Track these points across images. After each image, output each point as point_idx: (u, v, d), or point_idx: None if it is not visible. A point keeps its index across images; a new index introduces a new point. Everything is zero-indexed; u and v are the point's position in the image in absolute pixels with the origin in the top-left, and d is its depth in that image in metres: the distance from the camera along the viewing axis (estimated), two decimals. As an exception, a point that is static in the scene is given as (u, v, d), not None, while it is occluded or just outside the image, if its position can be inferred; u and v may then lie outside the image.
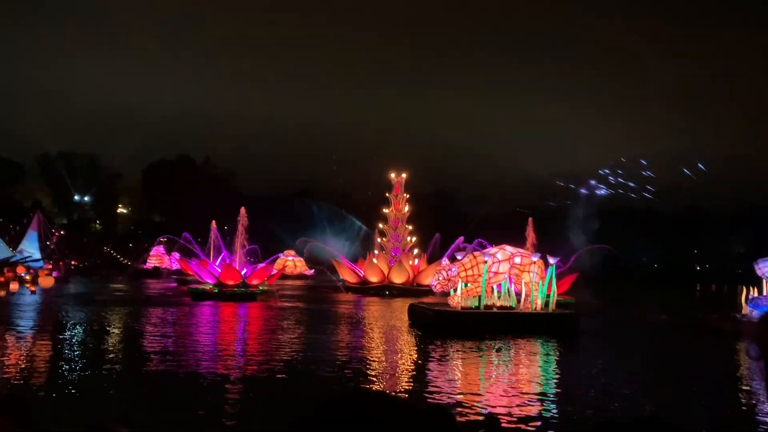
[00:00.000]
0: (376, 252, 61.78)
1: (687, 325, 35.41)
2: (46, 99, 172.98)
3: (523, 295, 30.53)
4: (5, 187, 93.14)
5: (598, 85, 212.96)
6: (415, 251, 62.13)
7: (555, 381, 19.30)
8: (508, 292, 30.92)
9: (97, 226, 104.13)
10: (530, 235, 50.46)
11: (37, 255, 43.16)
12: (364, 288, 55.74)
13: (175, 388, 16.60)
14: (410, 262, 58.55)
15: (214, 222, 57.29)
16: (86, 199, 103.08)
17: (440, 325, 28.54)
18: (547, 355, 24.39)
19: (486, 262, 29.87)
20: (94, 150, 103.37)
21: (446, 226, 66.94)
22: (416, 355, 23.13)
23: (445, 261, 33.05)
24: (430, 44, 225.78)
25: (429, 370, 20.09)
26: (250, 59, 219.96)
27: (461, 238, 53.24)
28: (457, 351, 23.65)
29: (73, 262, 74.06)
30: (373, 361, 21.47)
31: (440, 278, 30.78)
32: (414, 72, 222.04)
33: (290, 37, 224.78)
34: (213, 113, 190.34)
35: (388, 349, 24.73)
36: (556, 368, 21.72)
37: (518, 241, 42.24)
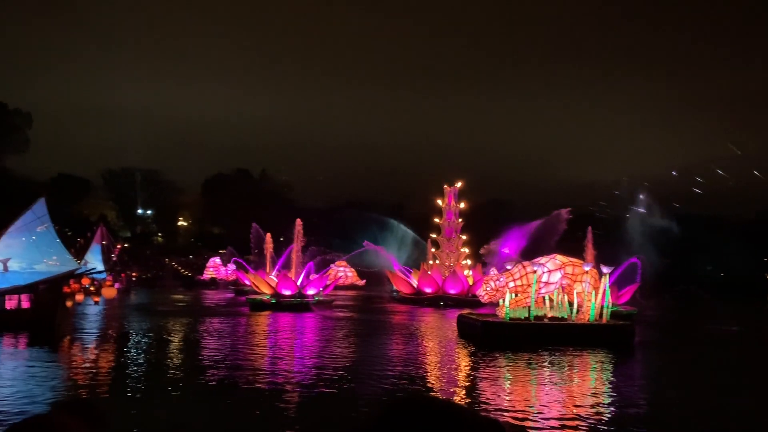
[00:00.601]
0: (430, 262, 61.54)
1: (754, 337, 33.77)
2: (110, 117, 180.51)
3: (575, 306, 29.68)
4: (73, 202, 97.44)
5: (658, 90, 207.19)
6: (469, 261, 61.55)
7: (606, 395, 18.53)
8: (562, 303, 30.14)
9: (159, 238, 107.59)
10: (589, 244, 49.32)
11: (101, 267, 44.83)
12: (418, 299, 55.51)
13: (233, 396, 16.86)
14: (465, 273, 58.03)
15: (269, 234, 58.31)
16: (149, 212, 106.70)
17: (488, 337, 27.94)
18: (599, 367, 23.52)
19: (535, 272, 29.26)
20: (156, 165, 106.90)
21: (501, 235, 66.03)
22: (462, 367, 22.81)
23: (493, 271, 32.54)
24: (482, 53, 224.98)
25: (476, 382, 19.80)
26: (305, 75, 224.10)
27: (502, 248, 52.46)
28: (504, 363, 23.17)
29: (134, 274, 76.68)
30: (419, 372, 21.19)
31: (488, 288, 30.09)
32: (467, 81, 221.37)
33: (342, 51, 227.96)
34: (270, 127, 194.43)
35: (435, 360, 24.40)
36: (608, 382, 20.94)
37: (576, 250, 41.31)
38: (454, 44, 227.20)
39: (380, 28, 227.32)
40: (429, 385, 19.18)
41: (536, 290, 29.06)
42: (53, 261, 31.89)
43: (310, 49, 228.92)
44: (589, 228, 50.81)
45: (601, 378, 21.67)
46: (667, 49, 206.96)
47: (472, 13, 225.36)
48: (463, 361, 24.14)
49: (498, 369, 22.07)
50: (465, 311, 33.93)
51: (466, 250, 62.88)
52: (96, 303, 35.59)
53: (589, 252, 48.20)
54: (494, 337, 27.72)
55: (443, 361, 24.41)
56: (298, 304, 45.15)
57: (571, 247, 43.98)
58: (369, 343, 28.40)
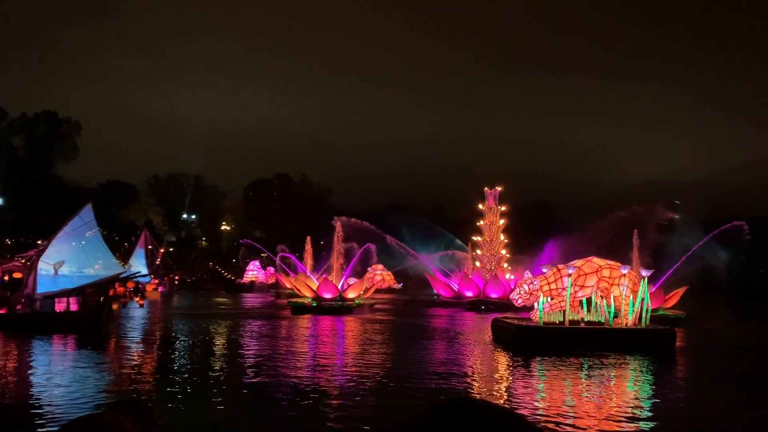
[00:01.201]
0: (470, 266, 61.06)
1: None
2: (155, 126, 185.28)
3: (612, 310, 28.90)
4: (120, 207, 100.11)
5: (703, 92, 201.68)
6: (507, 266, 60.85)
7: (639, 402, 17.81)
8: (601, 306, 29.41)
9: (203, 242, 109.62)
10: (635, 247, 48.15)
11: (145, 270, 45.85)
12: (459, 302, 55.08)
13: (274, 398, 16.94)
14: (506, 276, 57.37)
15: (309, 238, 58.77)
16: (193, 217, 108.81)
17: (522, 342, 27.37)
18: (635, 373, 22.61)
19: (570, 275, 28.57)
20: (199, 171, 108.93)
21: (544, 237, 65.11)
22: (493, 372, 22.42)
23: (527, 274, 32.00)
24: (524, 55, 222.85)
25: (508, 387, 19.43)
26: (345, 80, 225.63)
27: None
28: (537, 368, 22.66)
29: (177, 277, 78.20)
30: (449, 377, 20.90)
31: (521, 292, 29.40)
32: (508, 83, 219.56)
33: (382, 55, 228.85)
34: (310, 132, 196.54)
35: (466, 365, 23.99)
36: (642, 389, 20.16)
37: (620, 253, 40.38)
38: (496, 47, 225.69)
39: (420, 31, 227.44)
40: (460, 389, 18.89)
41: (572, 294, 28.43)
42: (100, 265, 32.76)
43: (349, 54, 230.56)
44: (635, 231, 49.63)
45: (634, 385, 20.81)
46: (712, 50, 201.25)
47: (514, 16, 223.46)
48: (495, 366, 23.74)
49: (530, 375, 21.64)
50: (501, 315, 33.45)
51: (505, 252, 62.18)
52: (141, 306, 36.44)
53: (635, 254, 47.07)
54: (528, 342, 27.13)
55: (474, 365, 23.99)
56: (339, 308, 45.30)
57: (618, 250, 43.05)
58: (405, 346, 28.24)
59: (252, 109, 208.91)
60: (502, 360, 24.99)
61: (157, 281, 51.57)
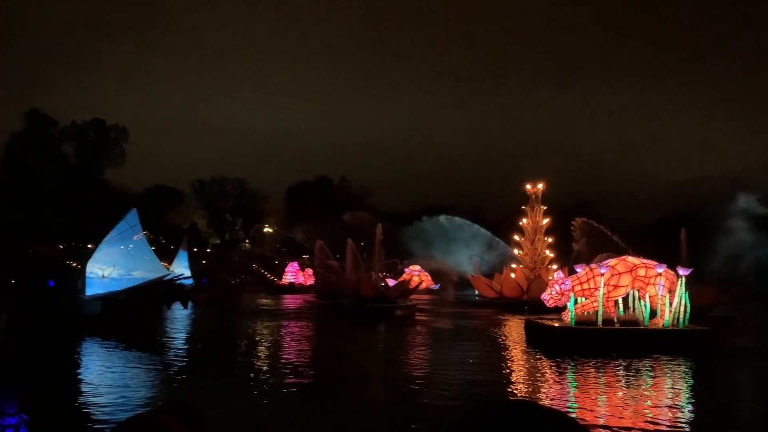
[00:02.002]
0: (513, 266, 60.37)
1: None
2: (199, 131, 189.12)
3: (648, 309, 28.12)
4: (166, 211, 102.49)
5: (751, 84, 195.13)
6: (555, 265, 59.91)
7: (672, 407, 17.17)
8: (639, 306, 28.66)
9: (247, 244, 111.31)
10: (683, 247, 46.90)
11: (188, 273, 46.69)
12: (500, 303, 54.47)
13: (318, 399, 17.06)
14: (550, 277, 56.50)
15: (349, 240, 59.04)
16: (237, 219, 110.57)
17: (555, 343, 26.89)
18: (671, 376, 21.79)
19: (603, 274, 27.91)
20: (242, 174, 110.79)
21: (588, 237, 63.97)
22: (524, 374, 22.05)
23: (558, 274, 31.41)
24: (561, 51, 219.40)
25: (541, 389, 19.10)
26: (382, 81, 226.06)
27: None
28: (569, 370, 22.23)
29: (226, 279, 79.52)
30: (482, 378, 20.67)
31: (552, 292, 28.74)
32: (548, 80, 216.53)
33: (418, 55, 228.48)
34: (349, 134, 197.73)
35: (497, 366, 23.62)
36: (677, 393, 19.46)
37: (668, 253, 39.31)
38: (531, 46, 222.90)
39: (460, 30, 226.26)
40: (495, 391, 18.65)
41: (605, 294, 27.78)
42: (146, 268, 33.56)
43: (389, 57, 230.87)
44: (682, 230, 48.31)
45: (667, 387, 20.10)
46: (756, 42, 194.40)
47: (554, 10, 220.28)
48: (525, 368, 23.38)
49: (563, 376, 21.24)
50: (536, 317, 32.90)
51: (549, 252, 61.27)
52: (185, 307, 37.11)
53: (683, 254, 45.84)
54: (561, 343, 26.66)
55: (505, 367, 23.65)
56: (380, 309, 45.27)
57: (666, 248, 41.95)
58: (443, 348, 28.12)
59: (293, 112, 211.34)
60: (532, 362, 24.64)
61: (202, 283, 52.61)
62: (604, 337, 26.84)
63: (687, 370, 22.93)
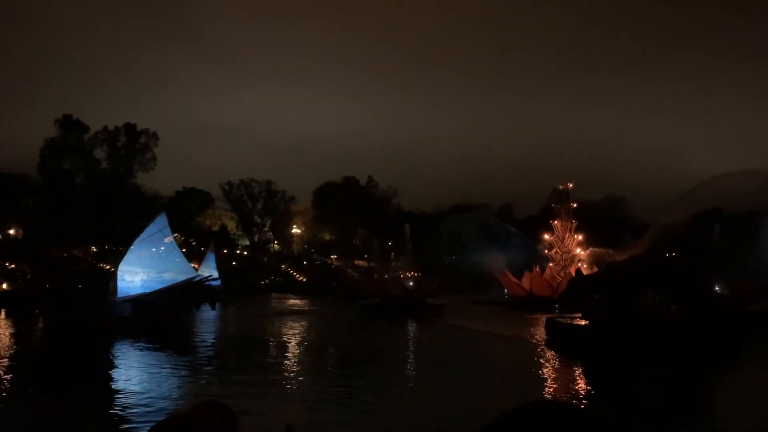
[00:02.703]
0: (544, 265, 59.74)
1: None
2: (227, 134, 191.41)
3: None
4: (196, 213, 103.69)
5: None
6: (585, 265, 59.12)
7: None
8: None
9: (276, 246, 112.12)
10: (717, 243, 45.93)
11: (216, 274, 47.15)
12: (530, 302, 53.81)
13: (348, 401, 17.02)
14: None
15: (375, 240, 59.08)
16: (266, 221, 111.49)
17: (572, 341, 26.54)
18: (681, 377, 21.31)
19: None
20: (270, 176, 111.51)
21: (617, 235, 63.05)
22: (540, 371, 21.83)
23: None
24: (588, 46, 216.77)
25: (552, 386, 18.82)
26: (408, 81, 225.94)
27: None
28: (584, 368, 22.05)
29: (254, 280, 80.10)
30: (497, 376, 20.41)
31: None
32: (576, 77, 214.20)
33: (443, 55, 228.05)
34: (375, 135, 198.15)
35: (515, 365, 23.33)
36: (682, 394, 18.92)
37: (702, 249, 38.54)
38: (561, 42, 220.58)
39: (488, 30, 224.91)
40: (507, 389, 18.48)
41: None
42: (176, 270, 33.95)
43: (415, 56, 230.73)
44: (717, 226, 47.31)
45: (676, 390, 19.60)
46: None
47: (578, 11, 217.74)
48: (541, 366, 23.10)
49: (574, 374, 21.04)
50: (557, 315, 32.38)
51: (580, 251, 60.50)
52: (212, 309, 37.40)
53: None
54: (579, 341, 26.25)
55: (523, 365, 23.38)
56: (409, 307, 45.10)
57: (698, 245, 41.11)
58: (464, 347, 27.94)
59: (319, 114, 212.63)
60: (550, 359, 24.35)
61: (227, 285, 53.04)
62: (619, 334, 25.59)
63: (701, 372, 22.34)
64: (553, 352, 26.30)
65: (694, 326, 25.84)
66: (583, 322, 28.07)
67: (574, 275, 47.38)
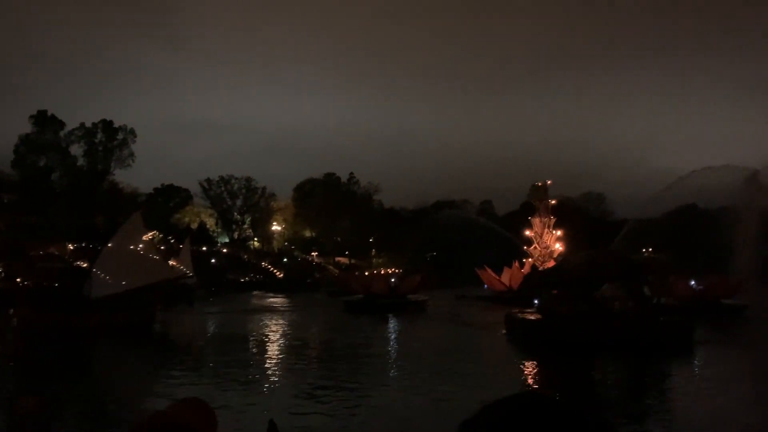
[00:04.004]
0: (523, 260, 60.13)
1: None
2: (205, 130, 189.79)
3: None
4: (176, 210, 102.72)
5: (753, 74, 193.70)
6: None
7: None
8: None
9: (256, 243, 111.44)
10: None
11: (191, 272, 46.52)
12: (510, 297, 54.03)
13: (331, 397, 17.03)
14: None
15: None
16: (245, 218, 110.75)
17: (528, 334, 26.91)
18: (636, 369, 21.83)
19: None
20: (250, 173, 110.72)
21: (596, 231, 63.75)
22: (492, 363, 22.35)
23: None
24: (565, 44, 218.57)
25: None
26: (389, 79, 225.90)
27: None
28: (531, 360, 22.67)
29: (234, 278, 79.55)
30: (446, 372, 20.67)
31: None
32: (555, 75, 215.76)
33: (423, 53, 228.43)
34: (356, 131, 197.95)
35: (471, 359, 23.68)
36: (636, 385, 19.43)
37: (680, 245, 39.12)
38: (537, 39, 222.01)
39: (465, 29, 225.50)
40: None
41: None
42: (151, 268, 33.46)
43: (395, 53, 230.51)
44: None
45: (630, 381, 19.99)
46: (763, 34, 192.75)
47: (557, 7, 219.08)
48: (494, 358, 23.46)
49: (521, 368, 21.52)
50: (517, 310, 32.46)
51: (559, 246, 60.99)
52: (189, 306, 37.04)
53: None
54: (534, 335, 26.58)
55: (478, 357, 23.69)
56: (392, 305, 45.01)
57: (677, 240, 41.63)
58: (444, 340, 28.16)
59: (300, 111, 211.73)
60: (502, 352, 25.12)
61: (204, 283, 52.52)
62: (577, 329, 25.69)
63: (654, 363, 22.80)
64: (510, 345, 26.73)
65: (647, 319, 26.03)
66: (536, 317, 28.26)
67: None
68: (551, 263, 57.27)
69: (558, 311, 26.58)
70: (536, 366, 22.51)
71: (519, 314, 29.98)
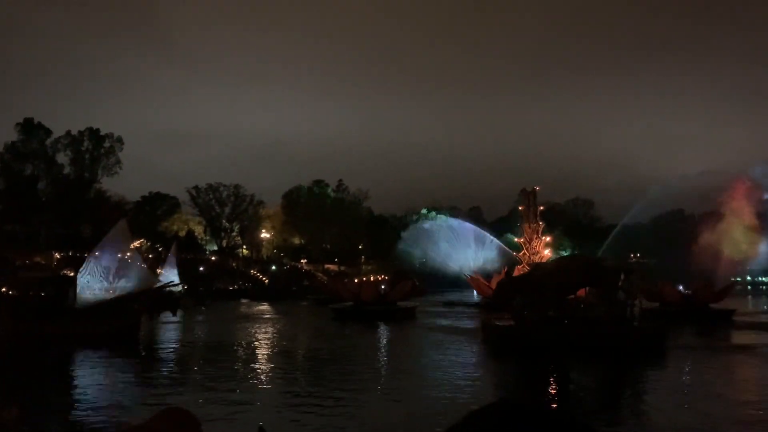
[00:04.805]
0: (515, 266, 60.24)
1: None
2: (193, 138, 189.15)
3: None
4: (164, 218, 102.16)
5: (740, 82, 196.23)
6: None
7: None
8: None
9: (244, 250, 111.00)
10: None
11: (177, 280, 46.17)
12: (498, 304, 54.03)
13: (315, 404, 16.89)
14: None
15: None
16: (234, 226, 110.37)
17: (502, 341, 26.95)
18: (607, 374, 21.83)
19: None
20: (238, 180, 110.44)
21: (584, 237, 64.04)
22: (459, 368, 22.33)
23: None
24: (553, 53, 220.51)
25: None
26: (378, 86, 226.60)
27: None
28: (504, 366, 23.09)
29: (222, 286, 79.10)
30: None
31: None
32: (542, 83, 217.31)
33: (414, 60, 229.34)
34: (345, 139, 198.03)
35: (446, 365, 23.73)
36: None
37: (672, 249, 39.36)
38: (526, 47, 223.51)
39: (454, 35, 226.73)
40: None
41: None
42: (136, 276, 33.11)
43: (383, 60, 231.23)
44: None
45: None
46: (748, 40, 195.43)
47: (546, 15, 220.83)
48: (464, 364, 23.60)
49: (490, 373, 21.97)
50: (496, 316, 32.44)
51: (548, 252, 61.16)
52: (173, 315, 36.63)
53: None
54: (509, 341, 26.60)
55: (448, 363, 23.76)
56: (381, 312, 44.84)
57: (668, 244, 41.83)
58: (430, 350, 28.11)
59: (288, 118, 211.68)
60: (475, 358, 25.15)
61: (189, 290, 52.06)
62: (553, 334, 25.80)
63: (626, 368, 22.81)
64: (484, 352, 26.83)
65: (620, 325, 26.04)
66: (508, 323, 28.19)
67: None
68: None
69: (529, 317, 26.45)
70: (503, 372, 23.01)
71: (494, 321, 29.90)
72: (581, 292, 28.53)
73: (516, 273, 57.79)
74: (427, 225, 78.50)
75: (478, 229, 72.92)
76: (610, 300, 26.67)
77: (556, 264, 29.14)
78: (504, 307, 29.39)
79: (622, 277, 27.28)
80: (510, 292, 28.29)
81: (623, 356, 23.76)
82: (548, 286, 26.42)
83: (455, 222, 73.74)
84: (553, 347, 24.14)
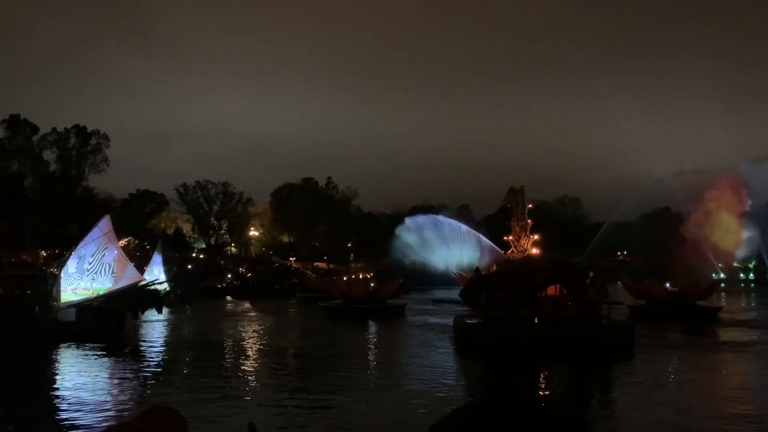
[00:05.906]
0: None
1: None
2: (181, 135, 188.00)
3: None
4: (151, 216, 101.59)
5: (726, 80, 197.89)
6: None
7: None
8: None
9: (233, 248, 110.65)
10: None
11: (162, 277, 45.92)
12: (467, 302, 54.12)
13: (303, 401, 16.90)
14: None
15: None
16: (222, 223, 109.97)
17: (472, 339, 26.90)
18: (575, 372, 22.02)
19: None
20: (227, 178, 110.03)
21: (572, 234, 64.40)
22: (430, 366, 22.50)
23: None
24: (541, 51, 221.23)
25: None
26: (367, 84, 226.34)
27: None
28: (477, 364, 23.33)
29: (210, 284, 78.77)
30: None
31: None
32: (530, 81, 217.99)
33: (403, 58, 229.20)
34: (334, 136, 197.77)
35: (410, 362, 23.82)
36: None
37: (659, 246, 39.65)
38: (514, 45, 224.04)
39: (442, 34, 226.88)
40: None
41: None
42: (119, 274, 32.86)
43: (372, 59, 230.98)
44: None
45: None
46: (734, 39, 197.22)
47: (534, 13, 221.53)
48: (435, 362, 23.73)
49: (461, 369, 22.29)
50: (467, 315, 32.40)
51: (536, 250, 61.43)
52: (159, 312, 36.40)
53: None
54: (477, 340, 26.48)
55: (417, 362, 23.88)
56: (371, 309, 44.76)
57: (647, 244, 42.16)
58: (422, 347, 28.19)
59: (277, 116, 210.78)
60: (447, 357, 25.27)
61: (174, 288, 51.77)
62: (521, 333, 25.55)
63: (594, 366, 22.99)
64: (453, 349, 26.79)
65: (588, 322, 26.05)
66: (477, 321, 28.15)
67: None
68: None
69: (496, 315, 26.50)
70: (463, 370, 23.28)
71: (465, 318, 29.90)
72: (552, 291, 28.57)
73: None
74: (415, 222, 78.65)
75: (467, 227, 73.09)
76: (579, 298, 26.73)
77: (523, 261, 29.17)
78: (473, 304, 29.24)
79: (591, 275, 27.31)
80: (478, 289, 28.13)
81: (590, 354, 23.77)
82: (516, 284, 26.41)
83: (444, 219, 73.87)
84: (519, 345, 24.15)
